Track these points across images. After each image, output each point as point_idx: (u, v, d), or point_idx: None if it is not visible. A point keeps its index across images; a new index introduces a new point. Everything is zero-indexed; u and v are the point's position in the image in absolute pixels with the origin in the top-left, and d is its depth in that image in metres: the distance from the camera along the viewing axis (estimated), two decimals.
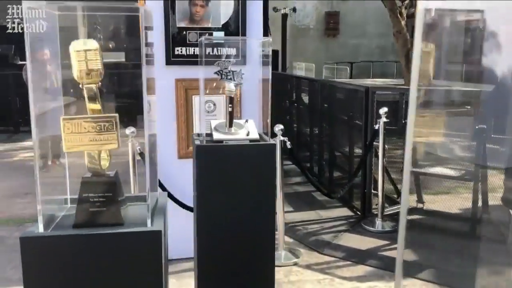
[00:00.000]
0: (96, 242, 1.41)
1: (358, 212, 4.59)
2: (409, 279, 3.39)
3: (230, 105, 2.21)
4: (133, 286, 1.46)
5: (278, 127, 3.62)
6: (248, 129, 2.14)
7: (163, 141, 3.53)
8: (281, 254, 3.71)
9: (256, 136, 2.09)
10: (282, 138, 3.64)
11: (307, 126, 6.10)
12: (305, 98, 6.07)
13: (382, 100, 4.54)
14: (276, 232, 3.74)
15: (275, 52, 11.89)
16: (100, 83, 1.36)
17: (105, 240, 1.41)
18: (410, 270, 3.52)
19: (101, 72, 1.37)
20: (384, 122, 4.09)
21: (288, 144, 3.68)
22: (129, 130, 3.52)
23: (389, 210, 4.51)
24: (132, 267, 1.44)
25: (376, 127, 4.10)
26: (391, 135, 4.45)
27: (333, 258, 3.75)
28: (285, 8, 14.91)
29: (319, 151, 5.70)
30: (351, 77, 15.42)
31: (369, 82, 10.66)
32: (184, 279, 3.23)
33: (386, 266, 3.56)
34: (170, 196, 3.27)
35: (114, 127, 1.34)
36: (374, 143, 4.26)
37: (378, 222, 4.24)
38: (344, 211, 4.71)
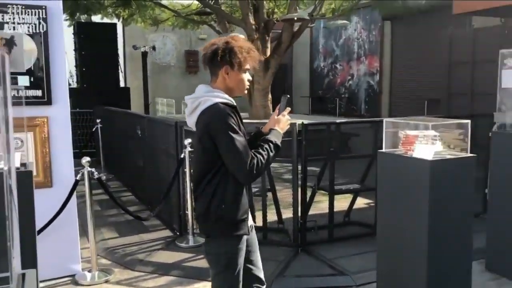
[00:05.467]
0: None
1: (177, 232, 5.15)
2: None
3: None
4: None
5: (85, 159, 4.06)
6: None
7: None
8: (94, 274, 4.09)
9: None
10: (89, 169, 4.07)
11: (138, 158, 6.62)
12: (138, 132, 6.57)
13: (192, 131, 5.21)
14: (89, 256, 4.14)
15: (126, 90, 12.23)
16: None
17: None
18: None
19: None
20: (189, 151, 4.74)
21: (96, 174, 4.12)
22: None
23: None
24: None
25: (182, 155, 4.75)
26: None
27: (142, 273, 4.22)
28: (144, 46, 15.39)
29: (146, 181, 6.25)
30: None
31: None
32: None
33: (186, 275, 4.14)
34: None
35: None
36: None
37: (190, 238, 4.84)
38: (165, 233, 5.24)
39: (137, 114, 7.17)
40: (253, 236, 2.54)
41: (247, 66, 2.34)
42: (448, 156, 2.92)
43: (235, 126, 2.22)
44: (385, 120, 3.26)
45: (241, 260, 2.37)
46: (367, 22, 14.76)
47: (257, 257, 2.56)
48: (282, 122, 2.43)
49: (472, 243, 3.06)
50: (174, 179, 4.73)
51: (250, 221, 2.43)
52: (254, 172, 2.21)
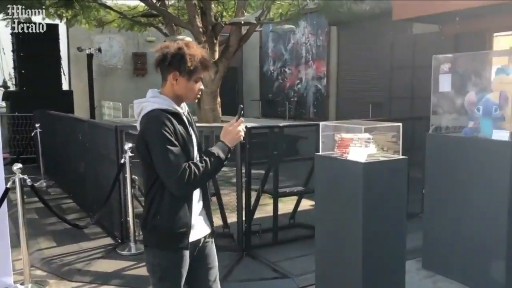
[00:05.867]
0: None
1: (118, 240, 5.00)
2: None
3: None
4: None
5: (16, 166, 3.86)
6: None
7: None
8: (27, 287, 3.89)
9: None
10: (21, 176, 3.87)
11: (79, 163, 6.39)
12: (79, 136, 6.34)
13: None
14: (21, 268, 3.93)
15: (69, 93, 11.78)
16: None
17: None
18: None
19: None
20: (130, 156, 4.61)
21: (29, 181, 3.92)
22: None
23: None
24: None
25: (122, 161, 4.61)
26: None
27: (80, 283, 4.06)
28: (90, 48, 14.92)
29: (87, 187, 6.04)
30: None
31: None
32: None
33: (126, 283, 4.01)
34: None
35: None
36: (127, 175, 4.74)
37: (132, 246, 4.70)
38: (107, 240, 5.07)
39: (77, 118, 6.91)
40: (209, 250, 2.43)
41: (199, 75, 2.24)
42: (381, 158, 2.99)
43: (168, 135, 2.11)
44: (321, 123, 3.30)
45: (180, 275, 2.26)
46: (314, 27, 15.01)
47: (212, 275, 2.43)
48: (231, 134, 2.27)
49: (405, 243, 3.15)
50: (114, 185, 4.59)
51: (198, 235, 2.31)
52: (185, 182, 2.10)
